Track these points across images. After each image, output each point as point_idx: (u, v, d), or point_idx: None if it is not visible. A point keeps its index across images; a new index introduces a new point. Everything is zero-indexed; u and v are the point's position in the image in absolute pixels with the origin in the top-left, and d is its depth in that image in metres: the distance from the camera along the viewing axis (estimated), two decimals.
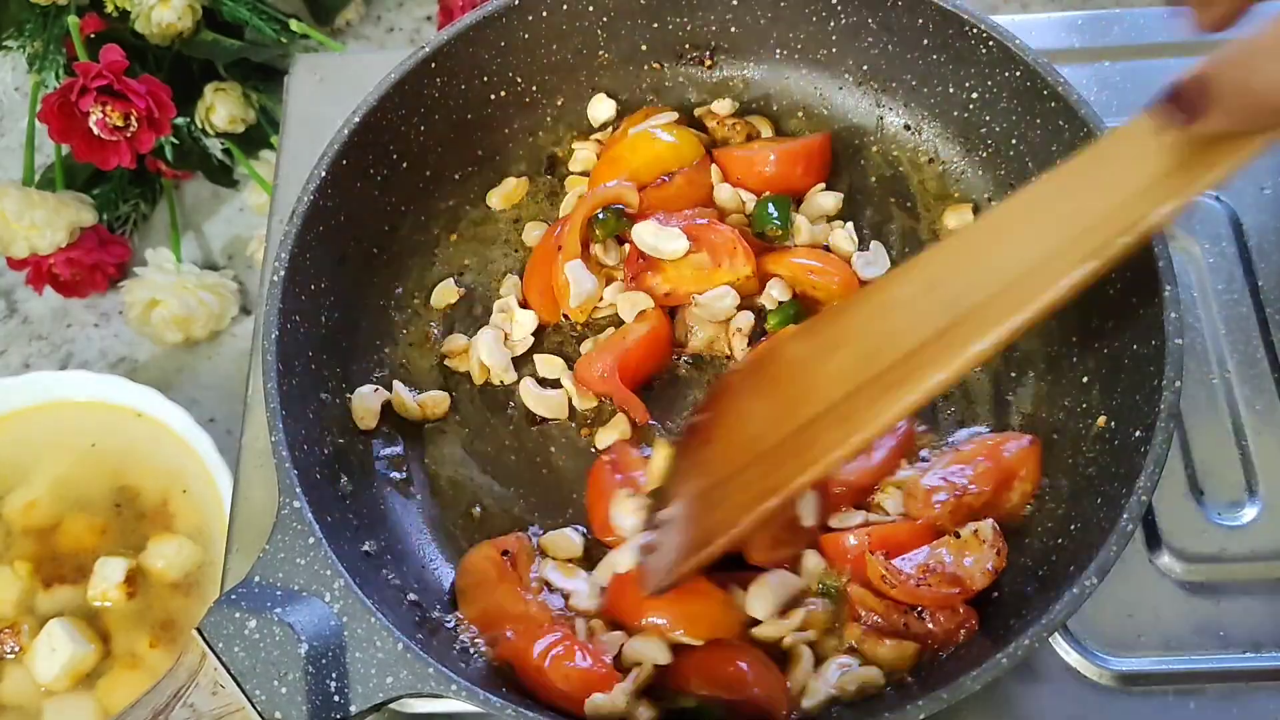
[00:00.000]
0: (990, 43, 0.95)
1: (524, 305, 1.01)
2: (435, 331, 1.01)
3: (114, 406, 1.23)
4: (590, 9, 1.03)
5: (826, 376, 0.76)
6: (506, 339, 1.00)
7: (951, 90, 1.01)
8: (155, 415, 1.21)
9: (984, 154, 1.01)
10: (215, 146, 1.52)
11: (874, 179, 1.06)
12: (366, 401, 0.94)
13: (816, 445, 0.74)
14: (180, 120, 1.43)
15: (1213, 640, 0.88)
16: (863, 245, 1.02)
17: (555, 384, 0.98)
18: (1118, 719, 0.86)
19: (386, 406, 0.96)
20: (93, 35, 1.41)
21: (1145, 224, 0.66)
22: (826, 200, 1.03)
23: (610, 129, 1.08)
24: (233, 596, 0.77)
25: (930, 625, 0.82)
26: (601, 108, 1.08)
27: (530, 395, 0.97)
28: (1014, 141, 0.98)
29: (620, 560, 0.86)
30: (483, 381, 0.99)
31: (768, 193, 1.01)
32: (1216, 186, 0.66)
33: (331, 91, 1.15)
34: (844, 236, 1.01)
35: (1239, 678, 0.87)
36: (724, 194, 1.02)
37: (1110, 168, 0.69)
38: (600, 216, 0.98)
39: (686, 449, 0.85)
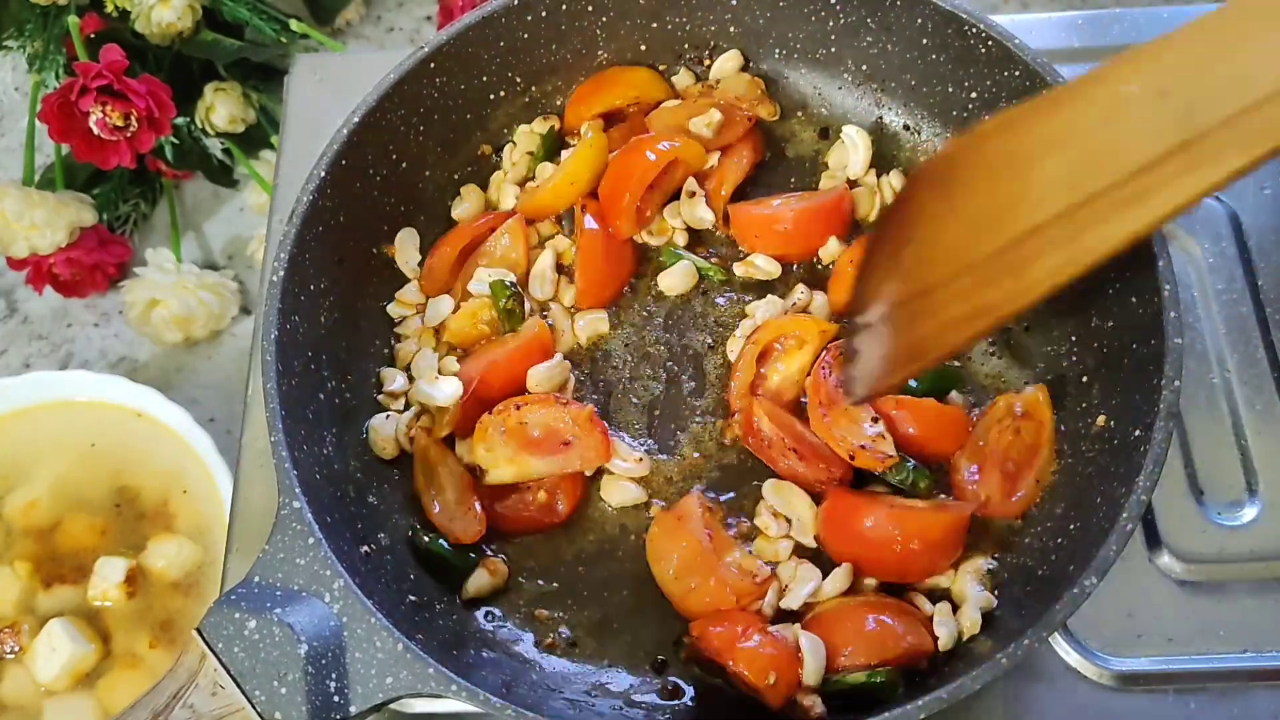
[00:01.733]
0: (990, 42, 0.95)
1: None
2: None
3: (114, 406, 1.23)
4: (590, 9, 1.03)
5: (1042, 181, 0.68)
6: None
7: (951, 90, 1.01)
8: (155, 415, 1.21)
9: None
10: (215, 146, 1.52)
11: None
12: (384, 431, 0.94)
13: (1035, 266, 0.67)
14: (180, 120, 1.43)
15: (1213, 640, 0.88)
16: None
17: None
18: (1118, 719, 0.86)
19: None
20: (93, 35, 1.41)
21: None
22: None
23: None
24: (232, 597, 0.77)
25: None
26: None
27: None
28: None
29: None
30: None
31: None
32: None
33: (331, 91, 1.15)
34: None
35: (1239, 678, 0.87)
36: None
37: None
38: None
39: (884, 242, 0.78)
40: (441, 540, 0.90)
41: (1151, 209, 0.63)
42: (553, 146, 1.06)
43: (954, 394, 0.94)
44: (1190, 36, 0.64)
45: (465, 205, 1.05)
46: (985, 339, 0.74)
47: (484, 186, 1.06)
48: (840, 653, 0.82)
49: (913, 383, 0.92)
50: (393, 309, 1.00)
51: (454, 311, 0.99)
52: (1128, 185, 0.64)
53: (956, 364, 0.95)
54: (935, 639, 0.83)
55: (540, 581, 0.91)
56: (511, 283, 0.98)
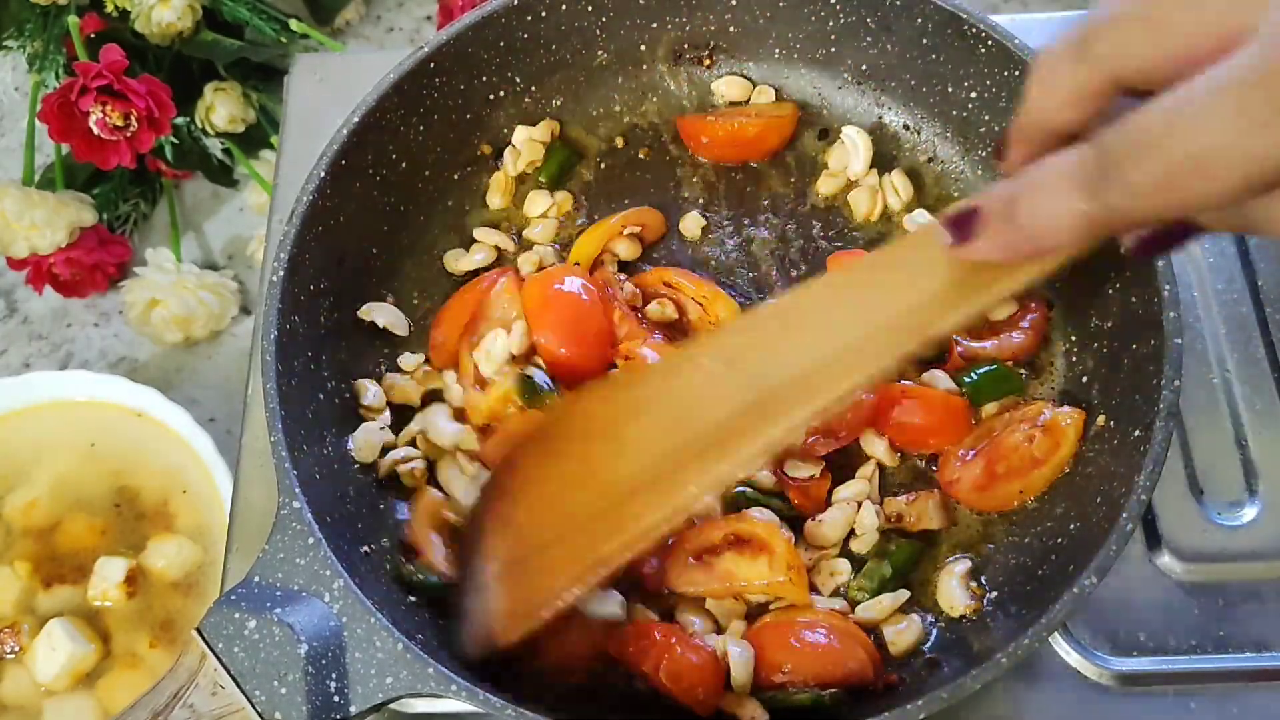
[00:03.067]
0: (989, 42, 0.95)
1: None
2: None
3: (114, 406, 1.23)
4: (590, 9, 1.03)
5: (632, 442, 0.76)
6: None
7: (951, 90, 1.01)
8: (155, 415, 1.21)
9: (983, 153, 1.01)
10: (215, 146, 1.52)
11: None
12: (371, 438, 0.92)
13: (641, 519, 0.75)
14: (180, 120, 1.43)
15: (1213, 640, 0.88)
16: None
17: None
18: (1118, 719, 0.86)
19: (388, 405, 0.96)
20: (93, 35, 1.41)
21: (929, 332, 0.68)
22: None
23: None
24: (232, 597, 0.77)
25: None
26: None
27: None
28: None
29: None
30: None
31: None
32: (991, 308, 0.69)
33: (331, 91, 1.15)
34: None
35: (1239, 678, 0.87)
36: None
37: (907, 269, 0.69)
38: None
39: (491, 505, 0.84)
40: (429, 577, 0.86)
41: (733, 458, 0.73)
42: (559, 167, 1.06)
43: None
44: (756, 321, 0.76)
45: (474, 257, 1.03)
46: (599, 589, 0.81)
47: (484, 187, 1.06)
48: (779, 667, 0.82)
49: (971, 377, 0.93)
50: (393, 376, 0.98)
51: (480, 389, 0.95)
52: (710, 440, 0.73)
53: (1023, 372, 0.94)
54: (875, 662, 0.82)
55: None
56: (527, 376, 0.92)
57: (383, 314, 0.98)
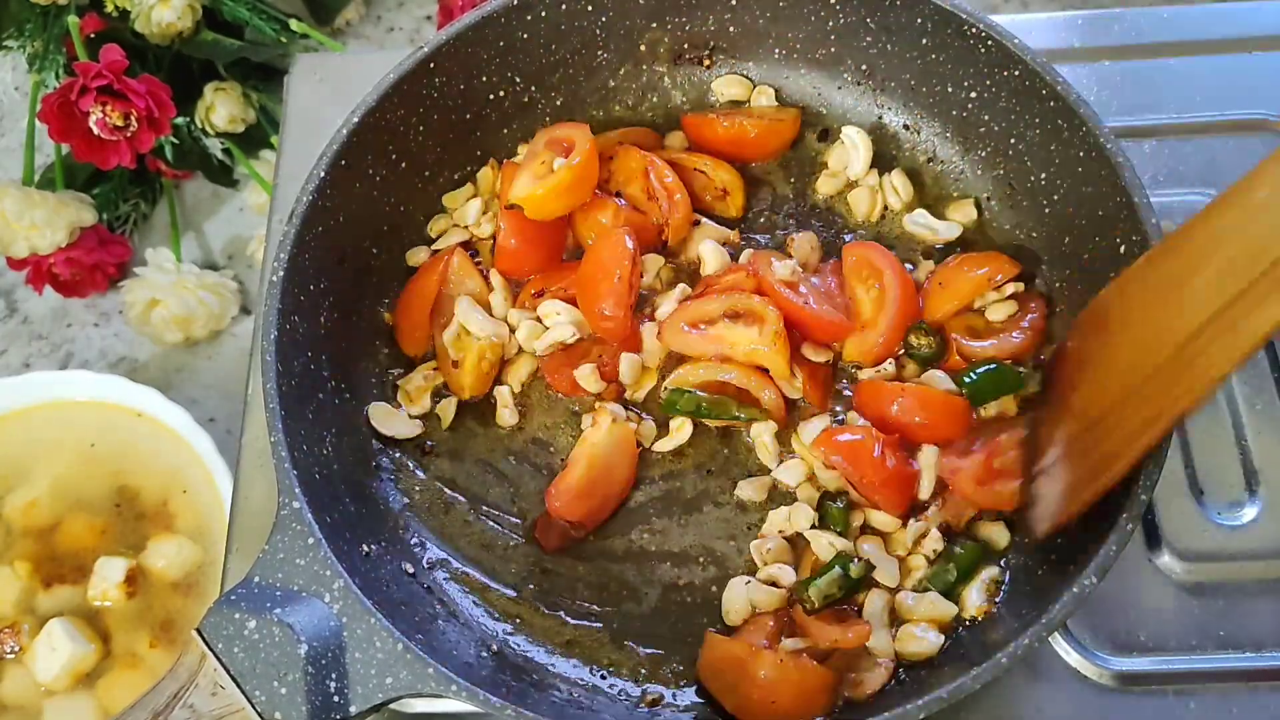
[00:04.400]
0: (989, 42, 0.95)
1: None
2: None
3: (114, 406, 1.23)
4: (589, 9, 1.03)
5: (1192, 298, 0.75)
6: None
7: (950, 90, 1.01)
8: (155, 415, 1.21)
9: (983, 153, 1.01)
10: (215, 146, 1.52)
11: None
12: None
13: (1198, 363, 0.73)
14: (180, 120, 1.43)
15: (1213, 640, 0.88)
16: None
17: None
18: (1118, 719, 0.86)
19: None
20: (93, 35, 1.41)
21: None
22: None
23: None
24: (232, 597, 0.77)
25: None
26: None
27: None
28: (1013, 141, 0.98)
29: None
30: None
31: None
32: None
33: (331, 91, 1.16)
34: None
35: (1239, 678, 0.87)
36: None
37: None
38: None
39: (1053, 398, 0.87)
40: None
41: None
42: None
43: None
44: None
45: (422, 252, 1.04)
46: (1166, 440, 0.80)
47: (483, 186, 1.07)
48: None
49: (970, 376, 0.93)
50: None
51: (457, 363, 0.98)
52: (1270, 275, 0.70)
53: (1020, 369, 0.94)
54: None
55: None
56: None
57: None
